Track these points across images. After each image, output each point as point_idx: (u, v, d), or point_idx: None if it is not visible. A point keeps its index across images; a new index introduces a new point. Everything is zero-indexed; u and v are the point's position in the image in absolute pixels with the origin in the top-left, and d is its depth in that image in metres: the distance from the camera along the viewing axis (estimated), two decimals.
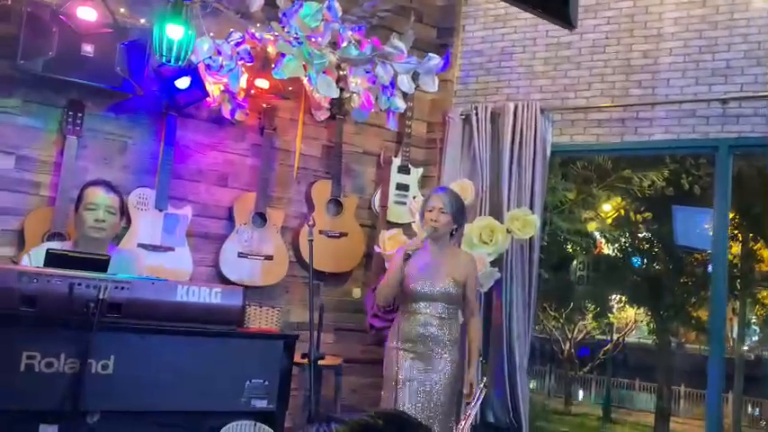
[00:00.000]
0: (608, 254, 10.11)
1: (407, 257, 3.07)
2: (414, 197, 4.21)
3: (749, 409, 12.67)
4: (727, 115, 3.75)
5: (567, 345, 13.95)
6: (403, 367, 3.18)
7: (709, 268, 8.83)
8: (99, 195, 2.79)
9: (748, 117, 3.68)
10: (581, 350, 14.17)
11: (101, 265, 2.42)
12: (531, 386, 3.97)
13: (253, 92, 3.75)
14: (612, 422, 13.33)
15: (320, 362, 3.02)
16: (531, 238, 3.90)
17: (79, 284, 2.25)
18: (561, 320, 13.06)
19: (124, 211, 2.95)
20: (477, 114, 4.24)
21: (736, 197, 3.75)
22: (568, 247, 8.75)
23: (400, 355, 3.20)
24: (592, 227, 8.21)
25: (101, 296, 2.25)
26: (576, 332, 13.76)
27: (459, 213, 3.34)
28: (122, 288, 2.32)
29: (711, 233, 7.45)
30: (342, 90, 3.58)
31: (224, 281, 3.78)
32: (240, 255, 3.78)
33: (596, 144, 4.11)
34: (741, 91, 3.72)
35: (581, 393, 15.44)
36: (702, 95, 3.81)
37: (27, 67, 3.15)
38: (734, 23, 3.79)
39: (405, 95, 3.69)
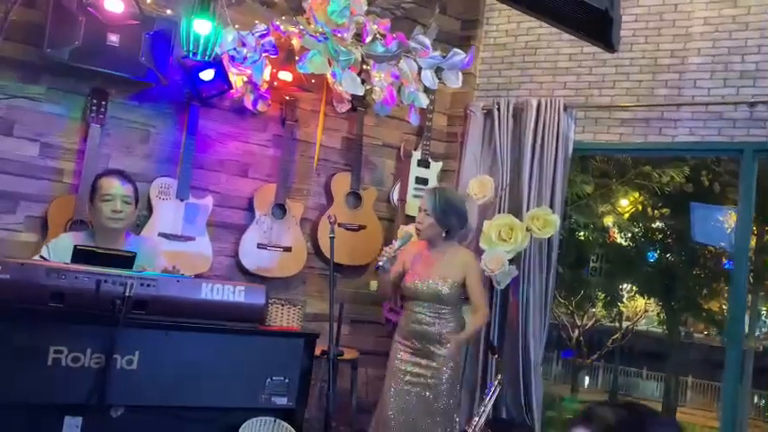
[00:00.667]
0: (621, 243, 10.06)
1: (379, 269, 3.17)
2: None
3: (755, 399, 12.69)
4: (754, 119, 3.69)
5: (576, 332, 13.96)
6: (401, 359, 3.27)
7: (724, 262, 8.82)
8: (114, 186, 2.80)
9: None
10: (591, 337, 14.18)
11: (127, 261, 2.44)
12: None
13: (275, 84, 3.74)
14: None
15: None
16: (550, 237, 3.88)
17: (106, 281, 2.29)
18: (571, 308, 13.05)
19: (139, 200, 2.94)
20: (498, 109, 4.20)
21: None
22: (581, 236, 8.71)
23: (400, 347, 3.30)
24: (608, 220, 8.16)
25: (127, 293, 2.29)
26: (585, 320, 13.76)
27: (445, 215, 3.26)
28: (148, 285, 2.35)
29: (730, 232, 7.45)
30: (363, 82, 3.56)
31: (243, 271, 3.81)
32: (259, 245, 3.80)
33: (619, 143, 4.07)
34: None
35: (587, 380, 15.50)
36: (730, 98, 3.75)
37: (53, 55, 3.15)
38: (765, 25, 3.71)
39: (427, 90, 3.66)
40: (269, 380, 2.57)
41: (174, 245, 3.52)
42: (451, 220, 3.30)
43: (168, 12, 3.27)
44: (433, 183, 4.28)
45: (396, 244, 3.24)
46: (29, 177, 3.36)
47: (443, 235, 3.33)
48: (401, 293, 3.42)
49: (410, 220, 4.11)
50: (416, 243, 3.47)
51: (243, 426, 2.51)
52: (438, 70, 3.59)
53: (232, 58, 3.41)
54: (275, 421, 2.58)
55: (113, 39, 3.22)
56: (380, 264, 3.15)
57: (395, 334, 3.40)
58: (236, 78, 3.54)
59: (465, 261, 3.35)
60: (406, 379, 3.24)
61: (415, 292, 3.28)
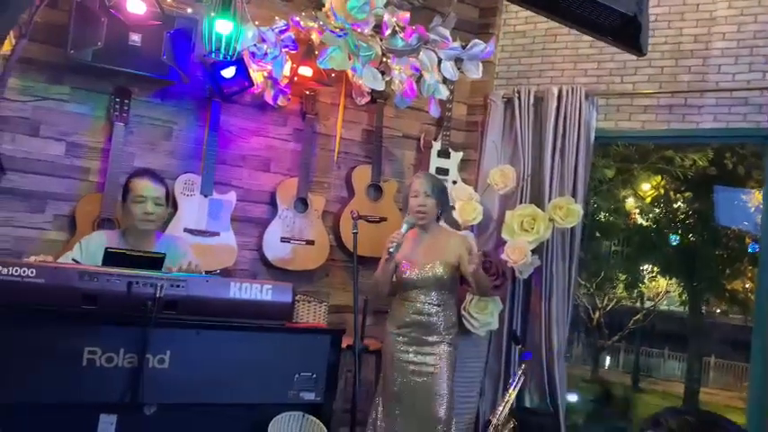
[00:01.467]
0: (642, 225, 9.97)
1: (390, 255, 3.10)
2: (454, 182, 4.21)
3: None
4: None
5: (597, 314, 13.92)
6: (399, 350, 3.25)
7: (748, 243, 8.71)
8: (147, 188, 2.83)
9: None
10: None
11: (156, 263, 2.49)
12: None
13: (295, 79, 3.75)
14: (640, 391, 13.37)
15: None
16: (572, 227, 3.87)
17: (137, 283, 2.34)
18: (592, 289, 13.01)
19: (170, 201, 2.99)
20: (519, 98, 4.18)
21: None
22: (603, 219, 8.65)
23: (397, 339, 3.26)
24: (630, 206, 8.10)
25: (158, 294, 2.34)
26: (606, 301, 13.71)
27: (443, 195, 3.36)
28: (178, 286, 2.40)
29: (753, 211, 7.36)
30: (383, 74, 3.56)
31: (267, 264, 3.85)
32: (283, 239, 3.83)
33: (642, 131, 4.03)
34: None
35: (608, 361, 15.48)
36: (755, 83, 3.70)
37: (77, 56, 3.19)
38: None
39: (446, 81, 3.65)
40: (297, 376, 2.61)
41: (199, 240, 3.56)
42: (445, 200, 3.38)
43: (189, 10, 3.29)
44: (453, 173, 4.27)
45: (402, 229, 3.20)
46: (56, 177, 3.41)
47: (437, 218, 3.35)
48: (397, 285, 3.33)
49: None
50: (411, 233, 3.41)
51: (272, 421, 2.57)
52: (458, 61, 3.58)
53: (252, 55, 3.42)
54: (304, 416, 2.63)
55: (135, 38, 3.25)
56: (391, 250, 3.12)
57: (387, 323, 3.36)
58: (257, 74, 3.56)
59: (459, 242, 3.34)
60: (410, 369, 3.22)
61: (416, 281, 3.23)
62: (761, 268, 3.81)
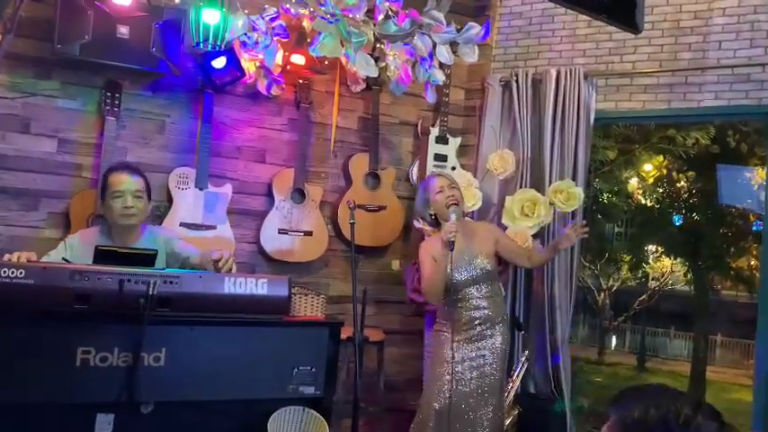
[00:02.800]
0: (645, 205, 9.92)
1: (452, 246, 2.99)
2: (453, 168, 4.15)
3: None
4: None
5: (602, 295, 13.89)
6: (455, 349, 3.12)
7: (752, 221, 8.66)
8: (124, 181, 2.73)
9: None
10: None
11: (148, 259, 2.45)
12: None
13: (288, 67, 3.68)
14: (647, 371, 13.37)
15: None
16: (574, 210, 3.81)
17: (129, 280, 2.30)
18: (596, 271, 12.98)
19: (150, 192, 2.89)
20: (517, 81, 4.11)
21: None
22: (605, 201, 8.59)
23: (452, 337, 3.14)
24: (632, 187, 8.04)
25: (150, 291, 2.29)
26: (611, 282, 13.68)
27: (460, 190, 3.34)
28: (171, 282, 2.36)
29: (757, 188, 7.29)
30: (378, 60, 3.50)
31: (265, 257, 3.81)
32: (281, 231, 3.79)
33: (642, 111, 3.96)
34: None
35: (614, 342, 15.47)
36: (757, 59, 3.62)
37: (64, 51, 3.14)
38: None
39: (442, 66, 3.59)
40: (296, 370, 2.57)
41: (195, 234, 3.52)
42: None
43: (176, 1, 3.22)
44: (452, 159, 4.22)
45: (452, 218, 3.07)
46: (48, 174, 3.37)
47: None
48: (447, 289, 3.16)
49: None
50: (433, 238, 3.34)
51: (272, 416, 2.53)
52: (453, 45, 3.51)
53: (243, 44, 3.36)
54: (304, 410, 2.59)
55: (123, 31, 3.19)
56: (452, 239, 2.97)
57: (439, 325, 3.24)
58: (249, 64, 3.50)
59: (489, 229, 3.34)
60: (464, 366, 3.13)
61: (468, 279, 3.15)
62: (764, 246, 3.77)
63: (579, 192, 3.70)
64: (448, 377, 3.12)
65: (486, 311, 3.16)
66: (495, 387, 3.19)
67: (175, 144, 3.64)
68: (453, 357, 3.11)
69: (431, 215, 3.27)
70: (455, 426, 3.08)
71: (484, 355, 3.16)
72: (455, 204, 3.16)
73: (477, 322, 3.15)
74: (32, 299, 2.18)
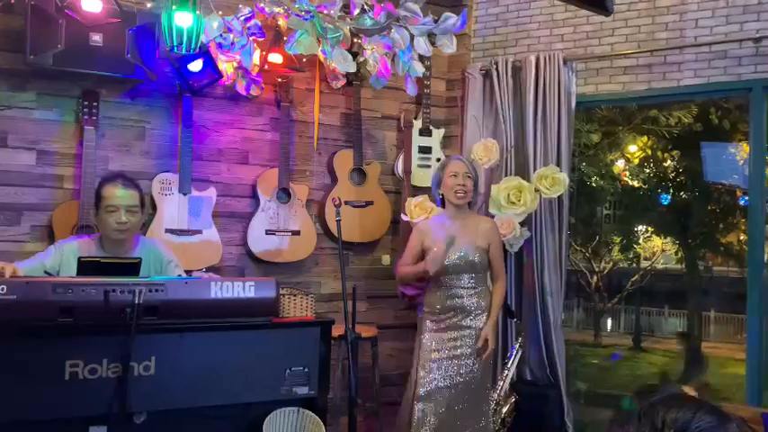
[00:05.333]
0: (633, 186, 9.95)
1: (452, 242, 3.06)
2: (437, 159, 4.14)
3: None
4: (760, 54, 3.57)
5: (595, 278, 13.95)
6: (434, 336, 3.23)
7: (739, 196, 8.70)
8: (117, 196, 2.70)
9: None
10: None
11: (132, 268, 2.42)
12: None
13: (266, 67, 3.65)
14: (643, 350, 13.46)
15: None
16: (560, 195, 3.81)
17: (114, 290, 2.28)
18: (588, 254, 13.02)
19: (145, 204, 2.88)
20: (497, 69, 4.09)
21: None
22: (592, 184, 8.61)
23: (430, 326, 3.25)
24: (617, 169, 8.05)
25: (137, 300, 2.28)
26: (602, 264, 13.73)
27: (477, 180, 3.39)
28: (157, 290, 2.34)
29: (742, 164, 7.32)
30: (356, 55, 3.48)
31: (253, 259, 3.79)
32: (268, 232, 3.77)
33: (623, 92, 3.96)
34: None
35: (609, 323, 15.55)
36: (734, 35, 3.63)
37: (37, 61, 3.09)
38: None
39: (422, 58, 3.57)
40: (288, 371, 2.57)
41: (182, 240, 3.50)
42: (477, 186, 3.40)
43: (149, 5, 3.19)
44: (436, 151, 4.21)
45: (443, 248, 3.16)
46: (29, 186, 3.33)
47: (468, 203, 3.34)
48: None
49: (417, 190, 4.06)
50: (433, 217, 3.41)
51: (267, 418, 2.53)
52: (431, 36, 3.49)
53: (219, 46, 3.33)
54: (299, 411, 2.59)
55: (96, 39, 3.15)
56: (430, 275, 3.17)
57: (423, 310, 3.32)
58: (226, 65, 3.47)
59: (489, 228, 3.34)
60: (442, 355, 3.19)
61: (451, 267, 3.19)
62: (750, 220, 3.79)
63: (564, 177, 3.71)
64: (425, 366, 3.18)
65: (465, 301, 3.20)
66: (474, 380, 3.20)
67: (156, 150, 3.61)
68: (432, 346, 3.18)
69: (440, 195, 3.33)
70: (434, 414, 3.10)
71: (460, 346, 3.18)
72: (461, 194, 3.21)
73: (455, 311, 3.19)
74: (17, 314, 2.16)
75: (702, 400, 1.06)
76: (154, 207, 3.51)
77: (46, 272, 2.56)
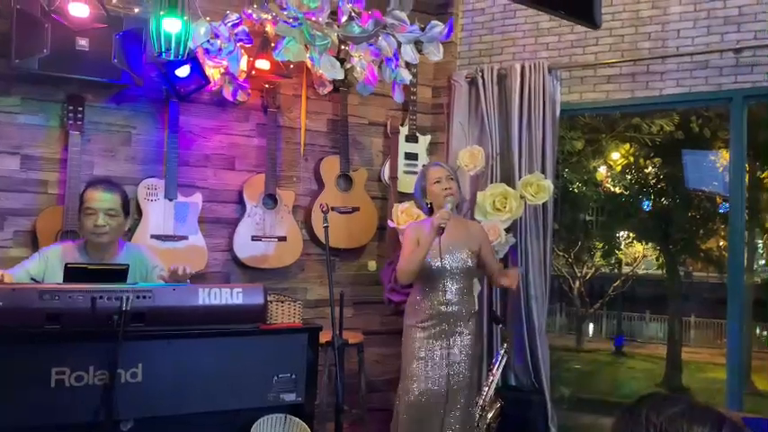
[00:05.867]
0: (615, 192, 10.08)
1: (442, 232, 2.98)
2: (424, 166, 4.16)
3: (756, 331, 12.89)
4: (740, 65, 3.64)
5: (577, 283, 14.06)
6: (424, 344, 3.19)
7: (719, 203, 8.84)
8: (96, 199, 2.68)
9: (763, 66, 3.57)
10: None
11: (120, 275, 2.41)
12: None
13: (253, 72, 3.66)
14: (625, 356, 13.57)
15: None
16: (544, 202, 3.85)
17: (101, 297, 2.26)
18: (570, 260, 13.13)
19: (129, 209, 2.85)
20: (483, 77, 4.13)
21: None
22: (575, 190, 8.70)
23: (420, 333, 3.20)
24: (600, 176, 8.17)
25: (124, 307, 2.27)
26: (585, 270, 13.85)
27: (459, 180, 3.37)
28: (144, 297, 2.33)
29: (722, 171, 7.45)
30: (343, 61, 3.49)
31: (239, 265, 3.78)
32: (254, 238, 3.76)
33: (606, 101, 4.02)
34: (755, 39, 3.60)
35: (591, 328, 15.67)
36: (715, 45, 3.69)
37: (22, 66, 3.07)
38: None
39: (408, 65, 3.60)
40: (276, 378, 2.57)
41: (167, 245, 3.48)
42: (459, 184, 3.38)
43: (136, 10, 3.18)
44: (422, 157, 4.24)
45: (448, 207, 3.10)
46: (12, 191, 3.30)
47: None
48: (422, 277, 3.20)
49: (403, 197, 4.08)
50: (423, 220, 3.39)
51: (254, 425, 2.52)
52: (418, 43, 3.52)
53: (207, 51, 3.33)
54: (286, 417, 2.59)
55: (83, 43, 3.14)
56: (443, 225, 2.99)
57: (408, 318, 3.28)
58: (213, 71, 3.47)
59: (479, 229, 3.35)
60: (434, 362, 3.16)
61: (444, 270, 3.15)
62: (731, 227, 3.86)
63: (549, 184, 3.74)
64: (416, 373, 3.16)
65: (456, 307, 3.18)
66: (465, 385, 3.20)
67: (142, 155, 3.60)
68: (421, 353, 3.15)
69: (427, 203, 3.30)
70: (425, 423, 3.11)
71: (452, 353, 3.16)
72: (452, 195, 3.20)
73: (446, 318, 3.17)
74: (2, 321, 2.14)
75: (722, 414, 1.03)
76: (139, 212, 3.49)
77: (32, 279, 2.54)
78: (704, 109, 6.18)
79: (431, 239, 3.02)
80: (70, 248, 2.76)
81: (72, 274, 2.37)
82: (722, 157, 7.48)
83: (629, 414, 1.04)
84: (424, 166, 3.87)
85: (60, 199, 3.34)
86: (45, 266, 2.65)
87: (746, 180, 3.75)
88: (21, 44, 3.03)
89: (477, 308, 3.38)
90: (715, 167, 7.69)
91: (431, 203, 3.29)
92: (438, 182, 3.23)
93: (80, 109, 3.34)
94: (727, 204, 4.01)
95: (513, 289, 3.25)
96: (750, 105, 3.76)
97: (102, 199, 2.68)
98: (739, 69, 3.64)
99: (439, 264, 3.15)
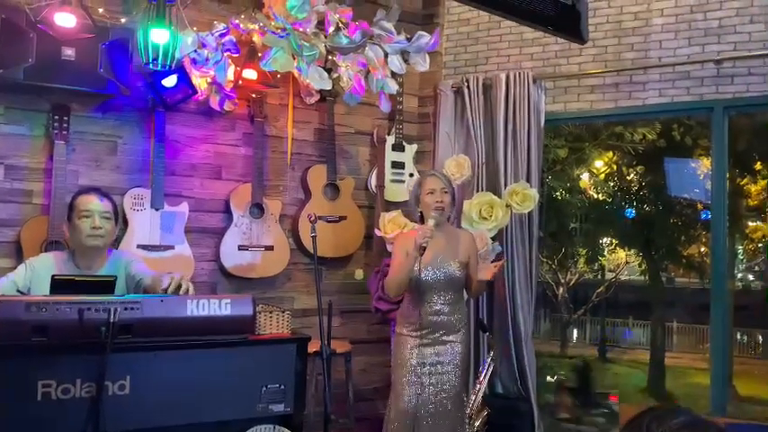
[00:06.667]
0: (598, 199, 10.18)
1: (422, 252, 3.00)
2: (411, 175, 4.19)
3: (738, 337, 13.05)
4: (721, 75, 3.71)
5: (561, 289, 14.15)
6: (415, 353, 3.18)
7: (701, 210, 8.96)
8: (92, 202, 2.70)
9: (743, 77, 3.64)
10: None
11: (107, 286, 2.40)
12: None
13: (240, 82, 3.66)
14: (609, 361, 13.66)
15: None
16: (530, 211, 3.89)
17: (89, 309, 2.24)
18: (554, 266, 13.21)
19: (119, 218, 2.86)
20: (468, 86, 4.17)
21: None
22: (559, 198, 8.77)
23: (411, 341, 3.19)
24: (584, 184, 8.24)
25: (111, 319, 2.24)
26: (568, 276, 13.94)
27: (454, 194, 3.34)
28: (132, 308, 2.31)
29: (703, 178, 7.55)
30: (330, 71, 3.51)
31: (226, 274, 3.78)
32: (241, 247, 3.76)
33: (590, 111, 4.08)
34: (735, 50, 3.67)
35: (575, 334, 15.77)
36: (696, 56, 3.76)
37: (7, 75, 3.05)
38: None
39: (395, 75, 3.62)
40: (264, 388, 2.55)
41: (154, 255, 3.47)
42: (454, 199, 3.34)
43: (122, 20, 3.18)
44: (409, 166, 4.26)
45: (431, 222, 3.08)
46: None
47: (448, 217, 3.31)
48: (412, 288, 3.19)
49: (390, 205, 4.10)
50: (412, 231, 3.38)
51: None
52: (405, 54, 3.54)
53: (194, 61, 3.33)
54: (275, 428, 2.58)
55: (69, 53, 3.12)
56: (424, 245, 2.98)
57: (399, 326, 3.28)
58: (200, 81, 3.47)
59: (469, 241, 3.33)
60: (424, 370, 3.16)
61: (433, 282, 3.15)
62: (713, 234, 3.91)
63: (534, 193, 3.78)
64: (407, 381, 3.16)
65: (446, 318, 3.18)
66: (454, 394, 3.21)
67: (129, 165, 3.58)
68: (413, 361, 3.15)
69: (419, 212, 3.28)
70: (419, 429, 3.11)
71: (442, 362, 3.17)
72: (441, 210, 3.17)
73: (436, 328, 3.17)
74: None
75: (722, 427, 1.03)
76: (126, 222, 3.47)
77: (19, 290, 2.52)
78: (686, 117, 6.26)
79: (413, 258, 3.03)
80: (59, 257, 2.75)
81: (59, 285, 2.35)
82: (703, 165, 7.59)
83: (630, 427, 1.05)
84: (421, 173, 3.89)
85: (45, 209, 3.31)
86: (32, 276, 2.63)
87: (727, 187, 3.82)
88: (6, 54, 3.02)
89: (467, 318, 3.39)
90: (696, 175, 7.79)
91: (422, 212, 3.29)
92: (431, 193, 3.20)
93: (65, 118, 3.32)
94: (708, 211, 4.07)
95: (489, 279, 3.21)
96: (731, 116, 3.82)
97: (98, 203, 2.70)
98: (720, 80, 3.71)
99: (428, 276, 3.15)
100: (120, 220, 3.40)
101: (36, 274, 2.64)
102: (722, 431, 1.01)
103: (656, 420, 1.02)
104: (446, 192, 3.21)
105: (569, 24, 1.96)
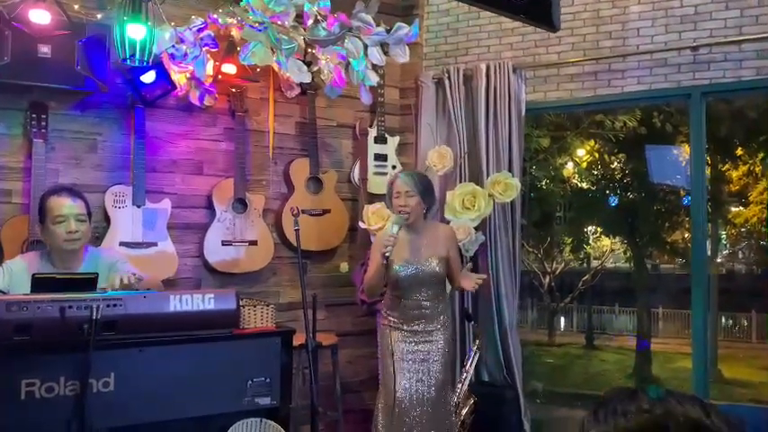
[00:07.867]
0: (582, 188, 10.26)
1: (385, 260, 3.04)
2: (393, 167, 4.20)
3: (722, 321, 13.23)
4: (698, 62, 3.74)
5: (547, 278, 14.25)
6: (398, 344, 3.23)
7: (683, 196, 9.06)
8: (65, 205, 2.66)
9: (719, 63, 3.68)
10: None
11: (89, 283, 2.39)
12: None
13: (220, 77, 3.65)
14: (596, 348, 13.79)
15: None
16: (512, 200, 3.92)
17: (71, 307, 2.25)
18: (540, 256, 13.30)
19: (92, 214, 2.83)
20: (449, 77, 4.18)
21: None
22: (543, 187, 8.84)
23: (394, 333, 3.25)
24: (567, 172, 8.31)
25: (94, 316, 2.25)
26: (554, 265, 14.04)
27: (427, 192, 3.27)
28: (115, 305, 2.31)
29: (685, 165, 7.64)
30: (310, 64, 3.50)
31: (210, 270, 3.77)
32: (224, 243, 3.75)
33: (570, 99, 4.10)
34: (711, 36, 3.70)
35: (563, 322, 15.89)
36: (673, 44, 3.79)
37: None
38: None
39: (375, 67, 3.62)
40: (250, 382, 2.57)
41: (136, 252, 3.45)
42: (431, 196, 3.31)
43: (99, 16, 3.15)
44: (392, 158, 4.27)
45: (393, 230, 3.09)
46: None
47: (424, 214, 3.29)
48: (392, 282, 3.25)
49: (374, 198, 4.11)
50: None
51: (230, 430, 2.52)
52: (384, 45, 3.54)
53: (172, 56, 3.30)
54: (261, 421, 2.59)
55: (45, 50, 3.09)
56: (387, 255, 3.04)
57: (382, 318, 3.33)
58: (179, 76, 3.45)
59: (447, 235, 3.34)
60: (409, 358, 3.21)
61: (413, 279, 3.19)
62: (693, 219, 3.96)
63: (516, 182, 3.81)
64: (394, 369, 3.19)
65: (428, 311, 3.22)
66: (440, 384, 3.24)
67: (109, 162, 3.56)
68: (398, 351, 3.19)
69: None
70: (402, 421, 3.14)
71: (428, 351, 3.21)
72: (405, 214, 3.16)
73: (419, 319, 3.22)
74: None
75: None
76: (107, 220, 3.45)
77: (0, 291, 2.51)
78: (665, 105, 6.33)
79: (376, 266, 3.13)
80: (34, 259, 2.73)
81: (40, 283, 2.34)
82: (685, 152, 7.68)
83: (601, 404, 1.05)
84: (394, 171, 3.89)
85: (25, 208, 3.29)
86: (10, 280, 2.61)
87: (708, 173, 3.88)
88: None
89: (451, 309, 3.42)
90: (678, 162, 7.88)
91: None
92: (397, 197, 3.21)
93: (44, 117, 3.29)
94: (690, 197, 4.11)
95: (469, 290, 3.29)
96: (708, 101, 3.86)
97: (70, 205, 2.66)
98: (697, 66, 3.74)
99: (408, 274, 3.19)
100: (101, 216, 3.41)
101: (15, 277, 2.61)
102: (696, 398, 1.02)
103: (627, 399, 1.03)
104: (411, 195, 3.19)
105: (541, 12, 1.98)
